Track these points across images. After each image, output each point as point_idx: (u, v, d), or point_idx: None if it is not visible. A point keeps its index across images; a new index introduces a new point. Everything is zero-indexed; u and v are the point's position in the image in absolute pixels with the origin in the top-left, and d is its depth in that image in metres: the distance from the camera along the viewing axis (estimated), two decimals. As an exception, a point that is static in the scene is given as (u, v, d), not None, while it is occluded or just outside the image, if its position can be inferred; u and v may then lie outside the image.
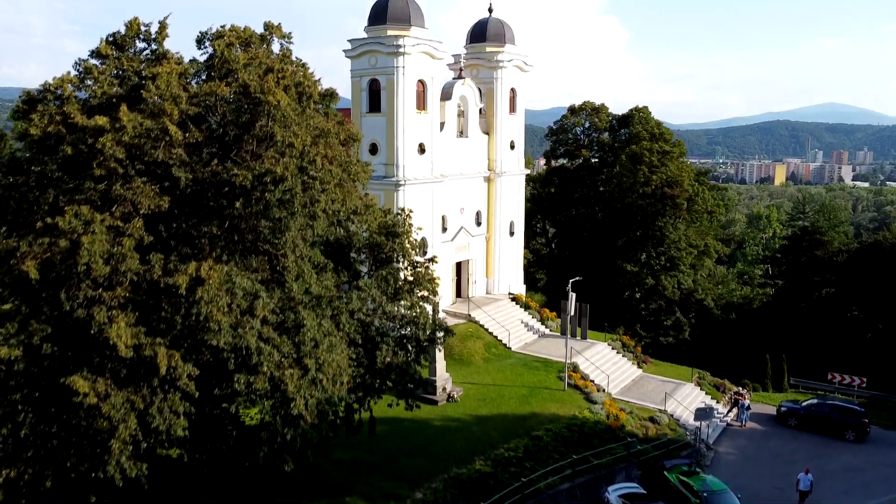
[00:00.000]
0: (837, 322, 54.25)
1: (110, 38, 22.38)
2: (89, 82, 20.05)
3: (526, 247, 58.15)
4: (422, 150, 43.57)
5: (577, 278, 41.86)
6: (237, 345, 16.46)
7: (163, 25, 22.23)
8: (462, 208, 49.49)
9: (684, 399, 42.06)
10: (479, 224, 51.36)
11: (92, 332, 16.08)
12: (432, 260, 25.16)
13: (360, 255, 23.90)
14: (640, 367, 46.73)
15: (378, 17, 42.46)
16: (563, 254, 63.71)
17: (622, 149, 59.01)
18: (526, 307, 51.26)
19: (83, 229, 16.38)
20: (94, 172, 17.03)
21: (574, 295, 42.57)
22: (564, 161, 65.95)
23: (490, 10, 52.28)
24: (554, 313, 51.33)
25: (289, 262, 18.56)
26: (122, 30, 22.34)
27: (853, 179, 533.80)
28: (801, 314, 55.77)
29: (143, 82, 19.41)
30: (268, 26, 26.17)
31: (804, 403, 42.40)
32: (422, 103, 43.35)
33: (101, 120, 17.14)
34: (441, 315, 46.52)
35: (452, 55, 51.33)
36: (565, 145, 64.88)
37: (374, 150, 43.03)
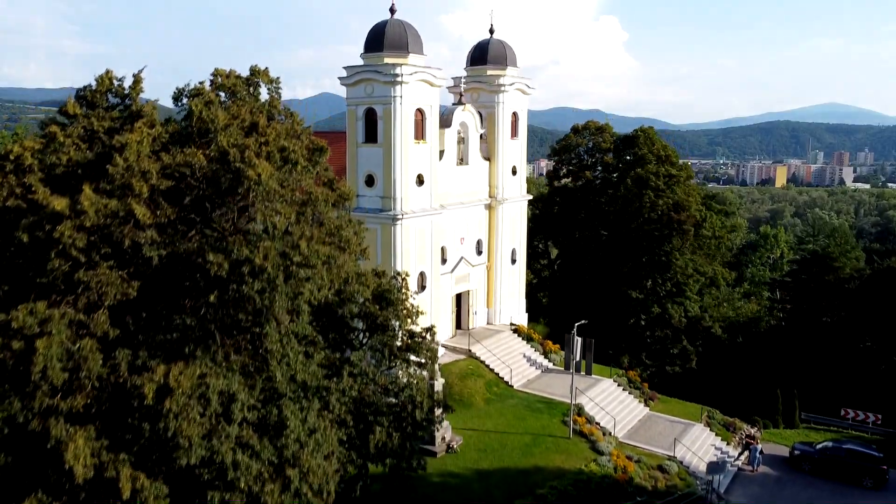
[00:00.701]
0: (850, 353, 52.55)
1: (81, 93, 20.69)
2: (54, 149, 18.28)
3: (528, 267, 56.42)
4: (420, 181, 41.80)
5: (583, 321, 40.06)
6: (211, 457, 14.74)
7: (137, 80, 20.50)
8: (462, 238, 47.75)
9: (694, 443, 40.32)
10: (479, 253, 49.63)
11: (49, 446, 14.36)
12: (430, 330, 23.34)
13: (352, 321, 22.15)
14: (647, 404, 44.99)
15: (374, 44, 40.68)
16: (565, 276, 61.96)
17: (627, 170, 57.24)
18: (528, 339, 49.50)
19: (39, 329, 14.64)
20: (53, 263, 15.28)
21: (579, 340, 40.87)
22: (567, 181, 64.23)
23: (491, 31, 50.50)
24: (557, 346, 49.58)
25: (272, 342, 16.81)
26: (96, 83, 20.70)
27: (854, 181, 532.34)
28: (812, 343, 54.06)
29: (112, 149, 17.63)
30: (254, 71, 24.48)
31: (818, 446, 40.63)
32: (420, 133, 41.58)
33: (60, 204, 15.37)
34: (440, 351, 44.98)
35: (452, 78, 49.61)
36: (568, 165, 63.11)
37: (370, 181, 41.27)
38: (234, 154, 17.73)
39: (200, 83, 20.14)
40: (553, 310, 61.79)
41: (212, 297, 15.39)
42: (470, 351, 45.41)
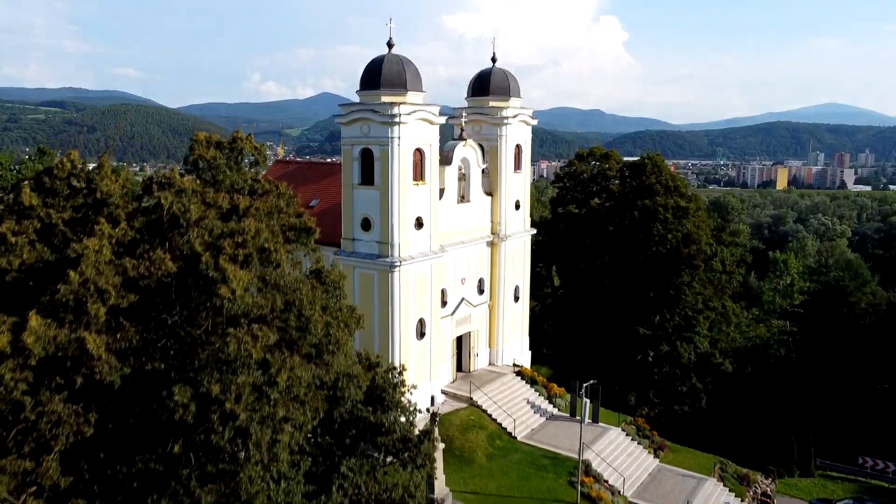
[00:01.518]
0: (866, 395, 50.51)
1: (42, 178, 18.60)
2: (5, 250, 16.18)
3: (532, 297, 54.25)
4: (419, 224, 39.69)
5: (593, 381, 38.00)
6: None
7: (102, 163, 18.43)
8: (463, 278, 45.69)
9: (707, 500, 38.29)
10: (481, 292, 47.55)
11: None
12: (429, 436, 21.20)
13: (344, 425, 20.05)
14: (656, 455, 42.93)
15: (371, 81, 38.54)
16: (570, 306, 59.85)
17: (634, 199, 55.10)
18: (532, 382, 47.41)
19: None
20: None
21: (588, 402, 38.83)
22: (572, 206, 62.05)
23: (493, 60, 48.38)
24: (562, 389, 47.51)
25: (248, 488, 14.71)
26: (56, 168, 18.65)
27: (855, 183, 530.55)
28: (826, 382, 52.03)
29: (66, 261, 15.52)
30: (237, 138, 22.44)
31: (838, 504, 38.66)
32: (419, 174, 39.47)
33: (1, 341, 13.27)
34: (440, 398, 43.00)
35: (453, 108, 47.59)
36: (573, 192, 60.97)
37: (366, 225, 39.16)
38: (206, 260, 15.65)
39: (171, 170, 17.97)
40: (557, 341, 59.69)
41: (176, 448, 13.29)
42: (471, 399, 43.32)
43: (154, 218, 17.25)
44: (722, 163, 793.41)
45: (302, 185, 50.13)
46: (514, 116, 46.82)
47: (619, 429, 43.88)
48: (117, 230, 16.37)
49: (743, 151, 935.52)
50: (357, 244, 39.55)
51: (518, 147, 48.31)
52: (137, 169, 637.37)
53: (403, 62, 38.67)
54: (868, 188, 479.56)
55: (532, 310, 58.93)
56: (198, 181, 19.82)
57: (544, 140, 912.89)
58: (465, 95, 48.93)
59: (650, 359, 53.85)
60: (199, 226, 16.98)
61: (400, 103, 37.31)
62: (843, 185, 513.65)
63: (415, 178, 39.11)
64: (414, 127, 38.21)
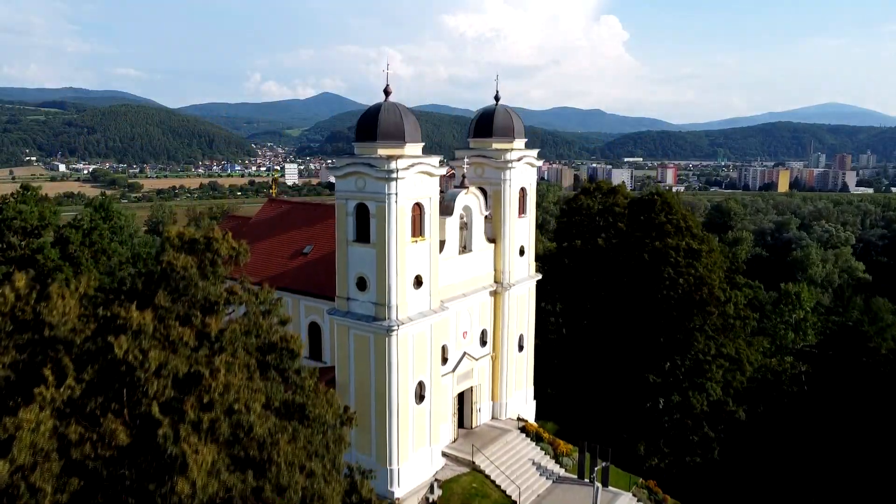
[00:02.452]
0: (886, 445, 48.00)
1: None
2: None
3: (535, 333, 51.56)
4: (419, 282, 37.24)
5: (606, 464, 35.58)
6: None
7: (50, 293, 16.00)
8: (465, 332, 43.30)
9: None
10: (483, 344, 45.14)
11: None
12: None
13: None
14: (670, 522, 40.57)
15: (367, 132, 36.05)
16: (576, 347, 57.39)
17: (643, 239, 52.62)
18: (537, 439, 45.01)
19: None
20: None
21: (599, 485, 36.42)
22: (578, 241, 59.56)
23: (496, 99, 45.96)
24: (569, 446, 45.13)
25: None
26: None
27: (857, 184, 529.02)
28: (844, 434, 49.54)
29: (1, 427, 13.08)
30: (212, 238, 20.06)
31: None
32: (418, 229, 37.00)
33: None
34: (440, 462, 40.57)
35: (455, 149, 45.23)
36: (578, 227, 58.51)
37: (362, 284, 36.71)
38: (165, 432, 13.22)
39: (127, 308, 15.50)
40: (562, 383, 57.19)
41: None
42: (473, 462, 40.90)
43: (107, 366, 14.81)
44: (723, 164, 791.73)
45: (295, 228, 47.85)
46: (519, 160, 44.40)
47: (630, 493, 41.51)
48: (62, 390, 13.91)
49: (744, 152, 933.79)
50: (352, 304, 37.12)
51: (523, 190, 45.88)
52: (137, 170, 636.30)
53: (401, 112, 36.19)
54: (870, 190, 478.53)
55: (536, 346, 56.46)
56: (164, 301, 17.42)
57: (545, 140, 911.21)
58: (467, 135, 46.55)
59: (660, 406, 51.45)
60: (160, 375, 14.54)
61: (398, 157, 34.86)
62: (844, 187, 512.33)
63: (413, 235, 36.66)
64: (413, 181, 35.77)
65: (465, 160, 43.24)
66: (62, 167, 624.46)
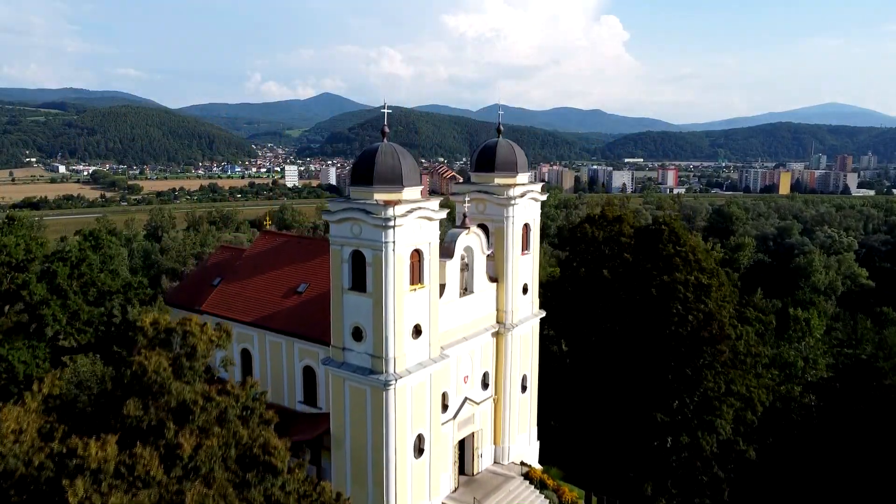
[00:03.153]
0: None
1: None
2: None
3: (539, 368, 49.70)
4: (418, 332, 35.44)
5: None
6: None
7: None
8: (466, 376, 41.52)
9: None
10: (485, 387, 43.37)
11: None
12: None
13: None
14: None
15: (362, 176, 34.22)
16: (580, 381, 55.46)
17: (650, 271, 50.77)
18: (542, 486, 43.20)
19: None
20: None
21: None
22: (582, 269, 57.69)
23: (499, 131, 44.23)
24: (575, 493, 43.37)
25: None
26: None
27: (858, 186, 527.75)
28: (858, 475, 47.75)
29: None
30: (188, 332, 18.34)
31: None
32: (417, 276, 35.19)
33: None
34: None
35: (455, 184, 43.44)
36: (582, 256, 56.62)
37: (357, 335, 34.92)
38: None
39: (86, 444, 13.70)
40: (567, 420, 55.29)
41: None
42: (475, 515, 39.16)
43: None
44: (724, 165, 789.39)
45: (289, 264, 46.11)
46: (522, 196, 42.60)
47: (639, 547, 39.70)
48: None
49: (744, 153, 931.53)
50: (348, 354, 35.31)
51: (526, 226, 44.10)
52: (137, 172, 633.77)
53: (399, 154, 34.37)
54: (871, 192, 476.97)
55: (539, 378, 54.74)
56: (134, 410, 15.64)
57: (545, 141, 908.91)
58: (469, 169, 44.77)
59: (668, 446, 49.64)
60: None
61: (395, 202, 33.07)
62: (846, 189, 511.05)
63: (412, 283, 34.86)
64: (411, 227, 33.96)
65: (467, 198, 41.44)
66: (62, 168, 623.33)
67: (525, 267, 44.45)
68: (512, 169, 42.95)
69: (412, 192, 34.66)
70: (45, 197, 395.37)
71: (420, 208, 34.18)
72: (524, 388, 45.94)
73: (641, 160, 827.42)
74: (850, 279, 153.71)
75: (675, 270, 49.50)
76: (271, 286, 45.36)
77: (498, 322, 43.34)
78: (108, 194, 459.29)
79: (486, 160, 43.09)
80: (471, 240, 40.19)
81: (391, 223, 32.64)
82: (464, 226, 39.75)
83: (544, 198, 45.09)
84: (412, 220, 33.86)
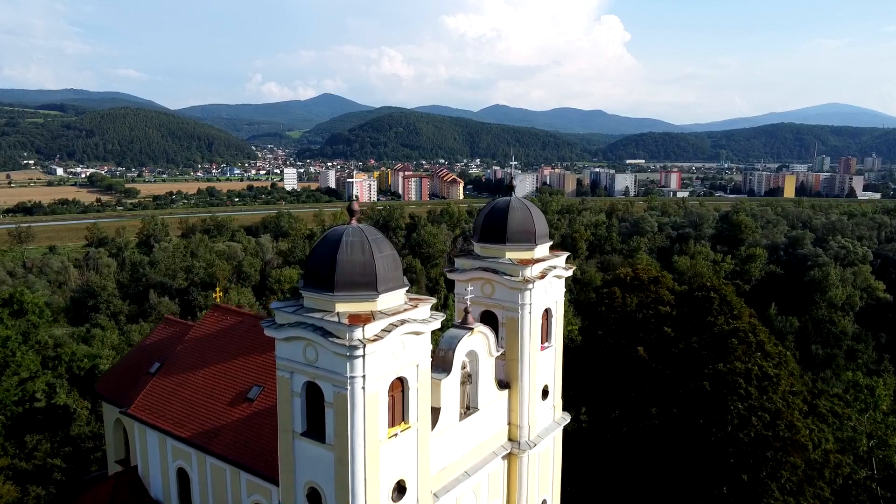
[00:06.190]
0: None
1: None
2: None
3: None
4: (401, 490, 25.08)
5: None
6: None
7: None
8: (468, 521, 31.09)
9: None
10: (494, 525, 32.95)
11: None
12: None
13: None
14: None
15: (321, 280, 23.71)
16: (610, 486, 44.87)
17: (699, 351, 40.43)
18: None
19: None
20: None
21: None
22: (608, 339, 47.25)
23: (510, 188, 33.92)
24: None
25: None
26: None
27: (864, 189, 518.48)
28: None
29: None
30: None
31: None
32: (400, 415, 24.88)
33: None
34: None
35: (455, 257, 33.16)
36: (610, 327, 46.08)
37: (315, 498, 24.55)
38: None
39: None
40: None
41: None
42: None
43: None
44: (726, 166, 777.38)
45: (240, 355, 35.69)
46: (543, 276, 32.13)
47: None
48: None
49: (747, 154, 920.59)
50: (301, 524, 24.94)
51: (547, 313, 33.70)
52: (135, 174, 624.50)
53: (371, 246, 23.83)
54: (877, 195, 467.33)
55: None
56: None
57: (546, 142, 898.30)
58: (471, 236, 34.40)
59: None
60: None
61: (365, 319, 22.70)
62: (851, 192, 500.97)
63: (392, 424, 24.53)
64: (390, 350, 23.61)
65: (469, 287, 30.94)
66: (60, 171, 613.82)
67: (545, 364, 34.07)
68: (528, 240, 32.49)
69: (392, 298, 24.26)
70: (39, 202, 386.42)
71: (404, 321, 23.81)
72: (543, 517, 35.56)
73: (643, 161, 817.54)
74: (866, 293, 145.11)
75: (731, 354, 39.01)
76: (216, 386, 35.00)
77: (510, 440, 32.94)
78: (104, 198, 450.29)
79: (495, 228, 32.56)
80: (475, 342, 29.74)
81: (359, 353, 22.27)
82: (465, 325, 29.28)
83: (570, 273, 34.61)
84: (392, 341, 23.48)
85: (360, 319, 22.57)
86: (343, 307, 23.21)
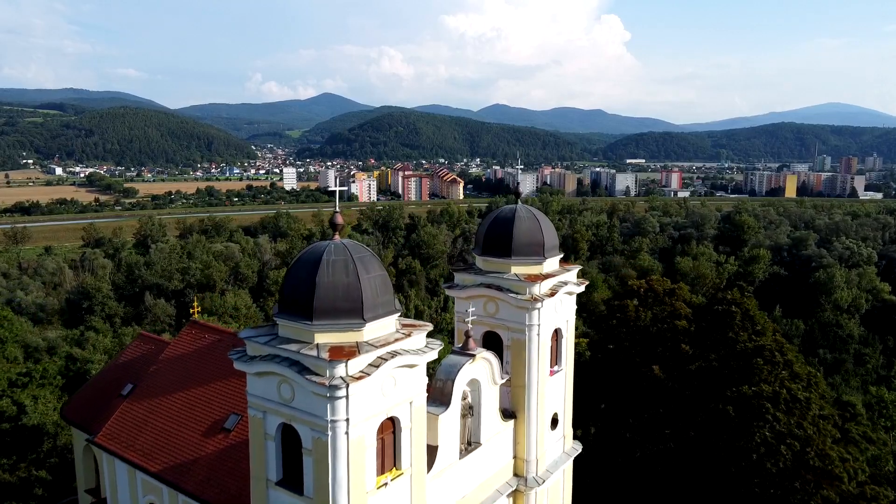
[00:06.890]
0: None
1: None
2: None
3: None
4: (390, 546, 21.73)
5: None
6: None
7: None
8: (469, 570, 27.71)
9: None
10: (498, 571, 29.56)
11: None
12: None
13: None
14: None
15: (298, 306, 20.31)
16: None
17: (720, 371, 37.10)
18: None
19: None
20: None
21: None
22: (619, 354, 43.97)
23: (517, 196, 30.48)
24: None
25: None
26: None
27: (865, 189, 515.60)
28: None
29: None
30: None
31: None
32: (391, 461, 21.53)
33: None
34: None
35: (454, 272, 29.85)
36: (622, 342, 42.81)
37: (292, 558, 21.22)
38: None
39: None
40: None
41: None
42: None
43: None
44: (727, 166, 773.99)
45: (218, 379, 32.23)
46: (553, 294, 28.76)
47: None
48: None
49: (747, 153, 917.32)
50: (277, 586, 21.58)
51: (557, 333, 30.35)
52: (135, 174, 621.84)
53: (358, 266, 20.47)
54: (879, 195, 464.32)
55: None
56: None
57: (546, 142, 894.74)
58: (473, 249, 31.01)
59: None
60: None
61: (349, 352, 19.34)
62: (853, 192, 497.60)
63: (382, 471, 21.18)
64: (378, 388, 20.24)
65: (470, 308, 27.55)
66: (59, 171, 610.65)
67: (555, 391, 30.72)
68: (537, 253, 29.12)
69: (381, 326, 20.87)
70: (37, 201, 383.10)
71: (397, 352, 20.44)
72: (552, 558, 32.19)
73: (643, 161, 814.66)
74: (872, 295, 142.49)
75: (756, 375, 35.63)
76: (190, 414, 31.64)
77: (516, 475, 29.59)
78: (103, 198, 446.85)
79: (499, 240, 29.17)
80: (477, 370, 26.37)
81: (341, 391, 18.90)
82: (466, 351, 25.88)
83: (582, 288, 31.24)
84: (380, 377, 20.11)
85: (342, 353, 19.21)
86: (323, 338, 19.84)
